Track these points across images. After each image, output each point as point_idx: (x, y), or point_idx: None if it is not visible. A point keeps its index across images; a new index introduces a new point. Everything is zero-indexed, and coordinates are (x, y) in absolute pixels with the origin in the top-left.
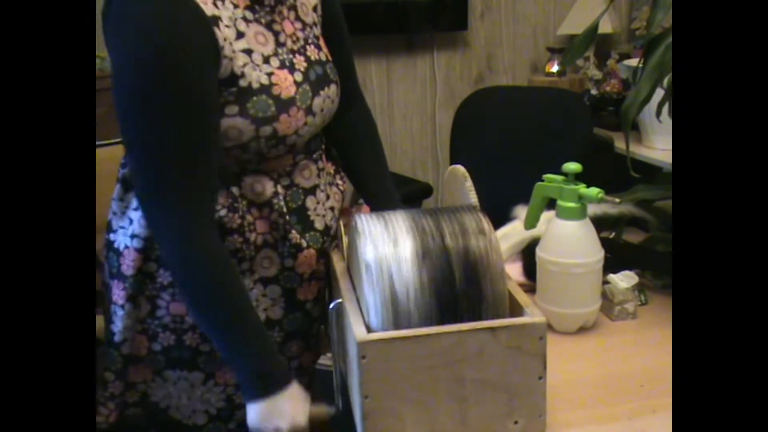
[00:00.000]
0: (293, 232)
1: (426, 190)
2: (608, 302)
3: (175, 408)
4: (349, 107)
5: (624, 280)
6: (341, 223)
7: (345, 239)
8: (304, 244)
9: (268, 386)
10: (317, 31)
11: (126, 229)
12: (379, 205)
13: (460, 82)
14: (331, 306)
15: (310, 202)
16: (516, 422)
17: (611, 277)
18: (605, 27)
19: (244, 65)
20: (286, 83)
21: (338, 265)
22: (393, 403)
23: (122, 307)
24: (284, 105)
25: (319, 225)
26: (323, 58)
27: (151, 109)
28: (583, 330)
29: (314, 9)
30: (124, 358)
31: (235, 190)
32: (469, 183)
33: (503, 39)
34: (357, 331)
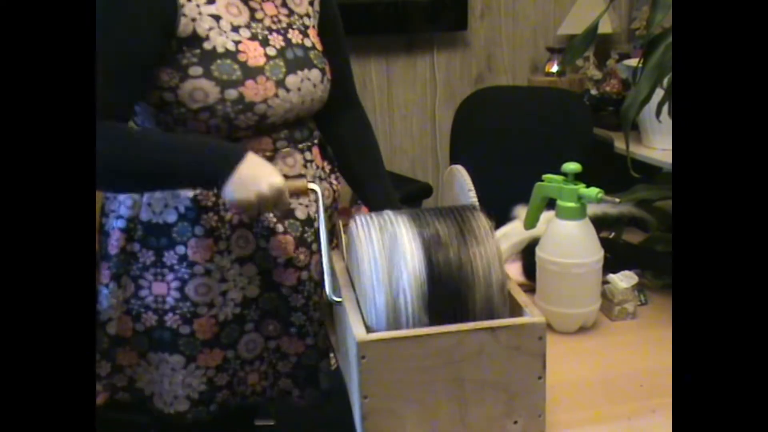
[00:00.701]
0: (269, 215)
1: (426, 190)
2: (608, 302)
3: (158, 395)
4: (345, 109)
5: (624, 280)
6: (340, 222)
7: (345, 239)
8: (280, 229)
9: (226, 163)
10: (309, 22)
11: (115, 212)
12: (378, 205)
13: (460, 82)
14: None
15: None
16: (515, 422)
17: (611, 277)
18: (605, 27)
19: (210, 29)
20: (254, 53)
21: (338, 264)
22: (393, 403)
23: (107, 286)
24: (251, 72)
25: (300, 214)
26: (308, 45)
27: (100, 26)
28: (582, 330)
29: (310, 3)
30: (110, 338)
31: None
32: (469, 183)
33: (503, 39)
34: (357, 331)
